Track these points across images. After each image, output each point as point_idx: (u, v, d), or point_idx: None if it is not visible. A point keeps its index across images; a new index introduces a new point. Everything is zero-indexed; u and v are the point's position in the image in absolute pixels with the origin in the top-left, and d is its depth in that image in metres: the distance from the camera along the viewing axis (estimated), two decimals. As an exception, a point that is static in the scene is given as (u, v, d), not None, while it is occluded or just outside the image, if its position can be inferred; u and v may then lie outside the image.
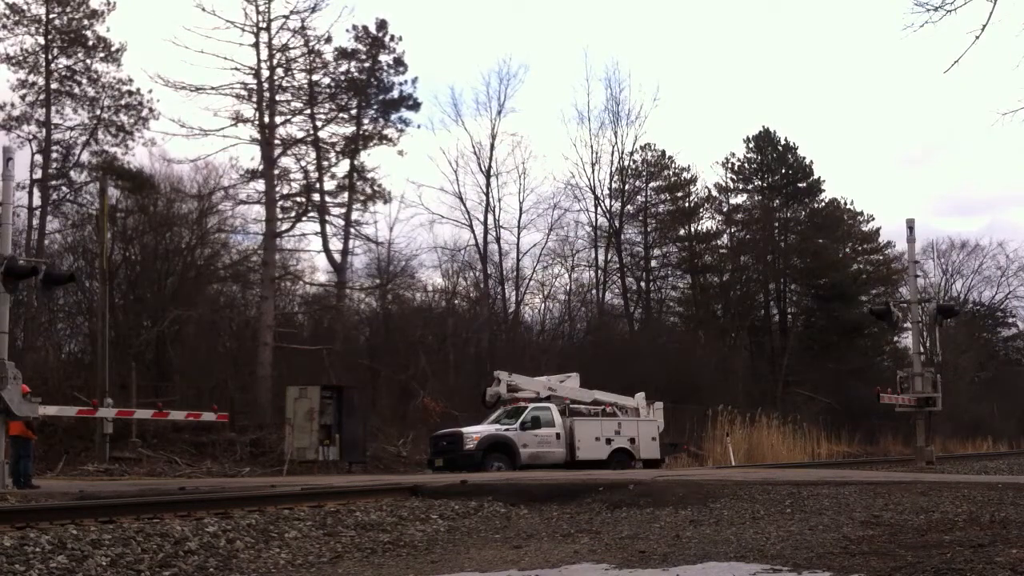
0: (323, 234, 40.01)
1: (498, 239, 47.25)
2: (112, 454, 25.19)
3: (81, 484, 17.15)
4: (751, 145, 61.18)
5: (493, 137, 47.19)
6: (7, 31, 36.35)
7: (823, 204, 61.57)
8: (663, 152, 55.48)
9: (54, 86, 37.04)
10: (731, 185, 61.09)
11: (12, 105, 36.39)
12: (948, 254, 66.12)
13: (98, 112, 37.73)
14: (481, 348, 43.23)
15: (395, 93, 41.72)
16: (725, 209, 60.62)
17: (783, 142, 61.29)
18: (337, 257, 40.59)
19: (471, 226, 46.66)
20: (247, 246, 39.72)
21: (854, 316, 54.13)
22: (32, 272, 16.55)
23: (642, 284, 54.91)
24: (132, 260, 35.90)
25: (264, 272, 36.96)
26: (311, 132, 40.12)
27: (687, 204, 57.30)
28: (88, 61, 37.60)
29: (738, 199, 61.44)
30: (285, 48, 38.39)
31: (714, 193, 59.94)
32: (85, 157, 37.91)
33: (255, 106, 37.88)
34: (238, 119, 37.55)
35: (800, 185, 60.81)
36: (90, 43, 37.44)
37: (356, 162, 41.09)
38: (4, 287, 15.78)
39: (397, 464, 29.34)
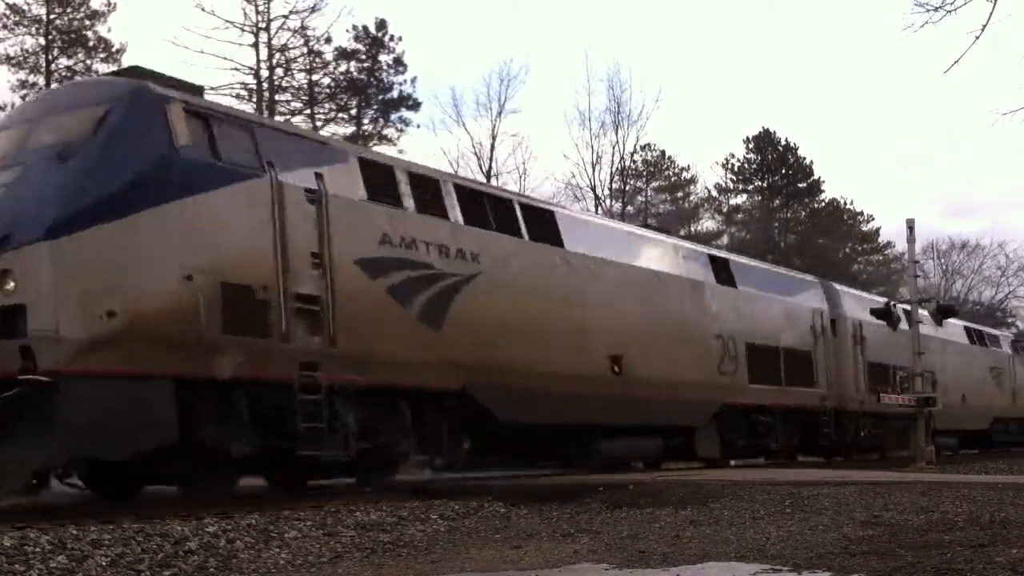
0: (324, 234, 40.03)
1: (498, 239, 47.15)
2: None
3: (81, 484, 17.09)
4: (751, 145, 61.24)
5: (493, 138, 47.16)
6: (7, 31, 36.46)
7: (823, 204, 61.62)
8: (663, 152, 55.63)
9: (54, 87, 37.05)
10: (731, 185, 61.21)
11: (12, 106, 36.43)
12: (948, 254, 66.22)
13: (98, 112, 37.72)
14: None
15: (395, 93, 41.85)
16: (725, 209, 60.75)
17: (783, 142, 61.37)
18: (338, 257, 40.60)
19: (471, 226, 46.63)
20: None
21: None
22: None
23: (642, 284, 54.89)
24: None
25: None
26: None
27: (687, 204, 57.39)
28: (89, 62, 37.65)
29: (738, 199, 61.57)
30: (285, 48, 38.53)
31: (714, 193, 60.09)
32: (85, 157, 37.95)
33: (255, 106, 37.91)
34: (238, 119, 37.53)
35: (800, 185, 60.84)
36: (91, 44, 37.50)
37: (356, 162, 41.14)
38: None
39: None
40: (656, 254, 17.60)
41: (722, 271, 19.28)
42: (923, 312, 27.52)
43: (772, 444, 20.33)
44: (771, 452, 20.76)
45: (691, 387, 17.32)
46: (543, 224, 15.08)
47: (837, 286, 25.10)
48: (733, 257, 21.74)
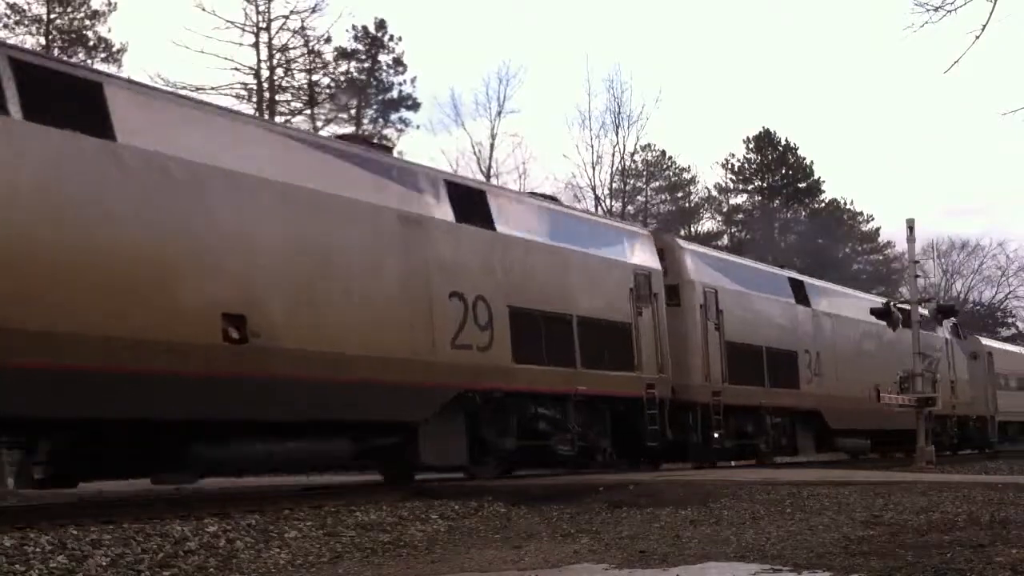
0: (323, 234, 40.03)
1: (498, 239, 47.06)
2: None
3: (81, 484, 17.12)
4: (751, 145, 61.27)
5: (493, 138, 47.12)
6: (8, 31, 36.39)
7: (823, 204, 61.67)
8: (663, 152, 55.64)
9: None
10: (731, 185, 61.26)
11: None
12: (948, 254, 66.23)
13: (98, 112, 37.75)
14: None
15: (395, 93, 41.86)
16: (725, 209, 60.79)
17: (783, 142, 61.38)
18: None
19: (472, 226, 46.58)
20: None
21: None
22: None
23: (643, 284, 54.86)
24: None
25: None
26: (311, 132, 40.20)
27: (687, 204, 57.41)
28: (89, 62, 37.58)
29: (738, 199, 61.62)
30: (285, 48, 38.48)
31: (714, 193, 60.15)
32: (85, 157, 37.96)
33: (255, 106, 37.89)
34: (238, 119, 37.56)
35: (800, 185, 60.89)
36: (91, 43, 37.51)
37: (356, 162, 41.17)
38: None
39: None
40: (334, 171, 12.03)
41: (470, 206, 13.65)
42: (822, 283, 24.31)
43: (561, 448, 14.71)
44: (565, 458, 14.84)
45: (398, 366, 12.03)
46: (68, 100, 9.49)
47: (682, 242, 19.70)
48: (496, 188, 16.30)
